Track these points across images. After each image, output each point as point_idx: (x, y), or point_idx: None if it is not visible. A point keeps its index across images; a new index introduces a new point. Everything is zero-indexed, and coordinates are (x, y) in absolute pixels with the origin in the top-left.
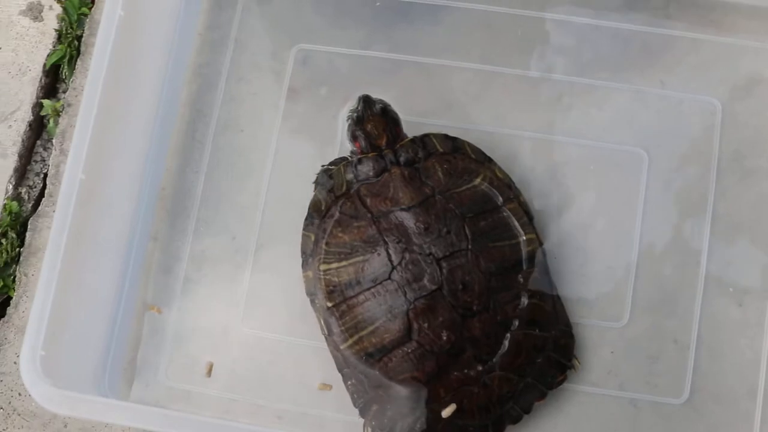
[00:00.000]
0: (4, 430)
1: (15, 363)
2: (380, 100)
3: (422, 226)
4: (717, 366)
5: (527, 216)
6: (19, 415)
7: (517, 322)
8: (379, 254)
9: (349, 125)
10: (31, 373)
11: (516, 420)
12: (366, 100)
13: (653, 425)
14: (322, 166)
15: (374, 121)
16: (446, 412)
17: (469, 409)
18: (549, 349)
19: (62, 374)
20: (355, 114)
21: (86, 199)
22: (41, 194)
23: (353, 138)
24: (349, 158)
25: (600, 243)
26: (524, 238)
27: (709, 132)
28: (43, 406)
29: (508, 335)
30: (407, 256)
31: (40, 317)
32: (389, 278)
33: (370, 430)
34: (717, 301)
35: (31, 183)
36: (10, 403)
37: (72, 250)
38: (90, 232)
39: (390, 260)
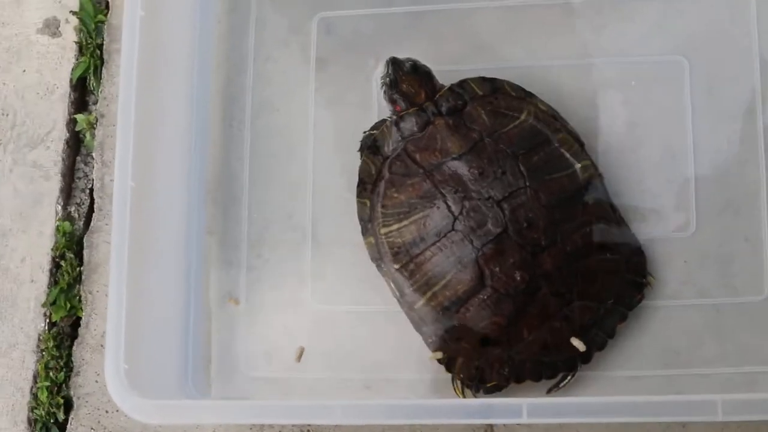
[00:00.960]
0: None
1: (97, 382)
2: (408, 58)
3: (476, 171)
4: None
5: (578, 143)
6: None
7: (586, 250)
8: (438, 207)
9: (385, 91)
10: (119, 389)
11: (602, 346)
12: (394, 62)
13: (739, 326)
14: (365, 132)
15: (408, 81)
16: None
17: (554, 345)
18: (622, 271)
19: (147, 384)
20: (387, 78)
21: (139, 206)
22: (90, 209)
23: (391, 102)
24: (390, 118)
25: (655, 157)
26: (579, 165)
27: (746, 29)
28: (135, 418)
29: (581, 264)
30: (467, 204)
31: (117, 332)
32: (453, 229)
33: (459, 383)
34: None
35: (78, 200)
36: (99, 422)
37: (134, 259)
38: (148, 239)
39: (450, 211)
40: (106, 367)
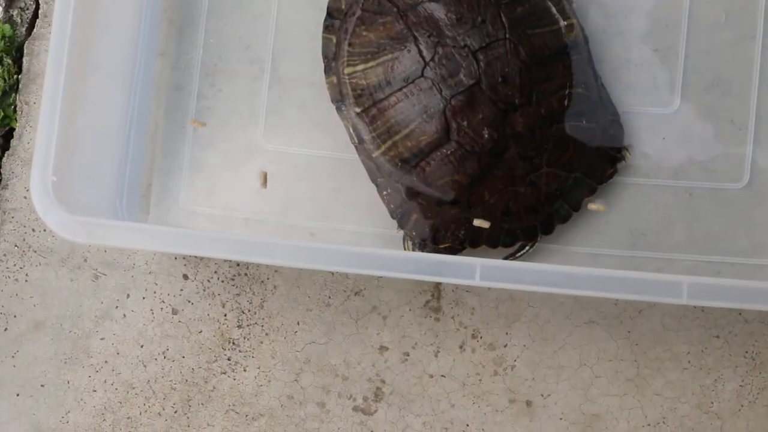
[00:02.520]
0: (20, 268)
1: (25, 198)
2: None
3: (454, 16)
4: None
5: None
6: (35, 252)
7: (562, 115)
8: (409, 51)
9: None
10: (44, 201)
11: (565, 219)
12: None
13: (711, 213)
14: None
15: None
16: (479, 222)
17: (515, 211)
18: (597, 141)
19: (76, 200)
20: None
21: (84, 14)
22: (35, 15)
23: None
24: None
25: (645, 24)
26: (564, 23)
27: None
28: (59, 234)
29: (554, 129)
30: (440, 50)
31: (48, 141)
32: (422, 76)
33: (410, 242)
34: None
35: (23, 4)
36: (24, 240)
37: (74, 68)
38: (92, 50)
39: (422, 56)
40: (33, 175)
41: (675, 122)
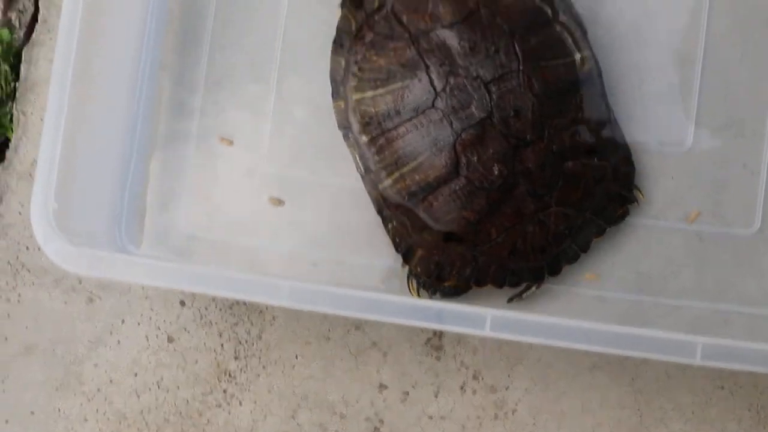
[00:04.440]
0: (13, 288)
1: (20, 213)
2: None
3: (467, 45)
4: None
5: (581, 30)
6: (28, 271)
7: (574, 152)
8: (420, 80)
9: None
10: (45, 229)
11: (573, 259)
12: None
13: (721, 258)
14: None
15: None
16: None
17: (523, 250)
18: (608, 180)
19: (76, 227)
20: None
21: (89, 27)
22: (34, 19)
23: None
24: None
25: (660, 58)
26: (579, 56)
27: None
28: (60, 265)
29: (565, 166)
30: (452, 80)
31: (50, 165)
32: (432, 106)
33: (414, 279)
34: None
35: (21, 7)
36: (17, 257)
37: (77, 86)
38: (94, 65)
39: (433, 86)
40: (33, 202)
41: (686, 162)
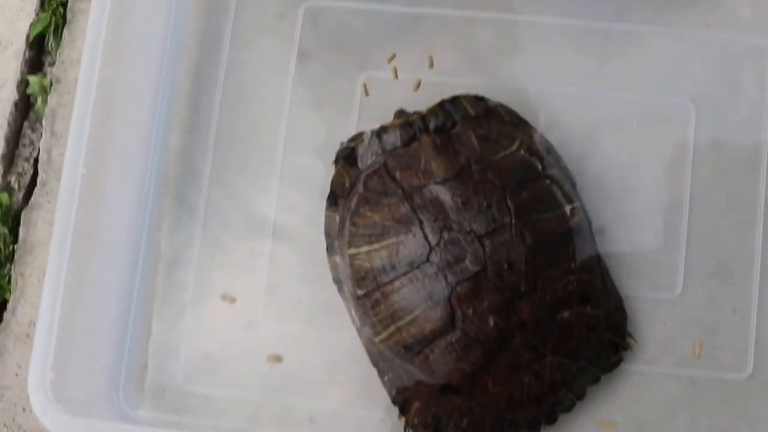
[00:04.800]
0: None
1: (17, 375)
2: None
3: (460, 200)
4: None
5: (570, 182)
6: None
7: (567, 302)
8: (414, 235)
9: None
10: (42, 400)
11: (569, 408)
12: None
13: (715, 403)
14: (342, 143)
15: None
16: None
17: (519, 401)
18: (602, 328)
19: (74, 393)
20: None
21: (88, 196)
22: (33, 182)
23: None
24: (371, 130)
25: (647, 207)
26: (569, 207)
27: (760, 76)
28: None
29: (558, 316)
30: (446, 235)
31: (48, 335)
32: (427, 261)
33: (411, 431)
34: None
35: (20, 170)
36: (14, 419)
37: (76, 254)
38: (94, 231)
39: (427, 241)
40: (30, 374)
41: (678, 308)
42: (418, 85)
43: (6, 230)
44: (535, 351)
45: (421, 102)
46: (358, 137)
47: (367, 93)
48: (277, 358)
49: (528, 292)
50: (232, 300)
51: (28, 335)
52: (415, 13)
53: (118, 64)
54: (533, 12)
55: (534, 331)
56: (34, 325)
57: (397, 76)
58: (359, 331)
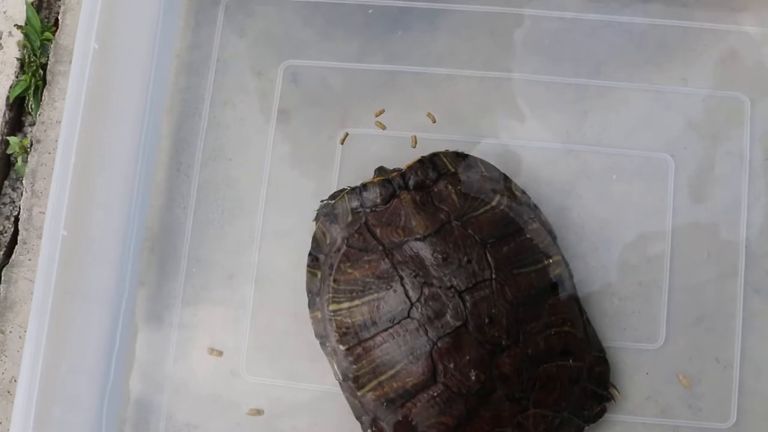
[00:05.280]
0: None
1: None
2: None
3: (440, 256)
4: (765, 384)
5: (550, 236)
6: None
7: (549, 354)
8: (395, 290)
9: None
10: None
11: None
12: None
13: None
14: (322, 201)
15: None
16: None
17: None
18: (584, 380)
19: None
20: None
21: (69, 255)
22: (13, 240)
23: None
24: (350, 187)
25: (628, 258)
26: (550, 260)
27: (738, 130)
28: None
29: (541, 369)
30: (426, 291)
31: (29, 392)
32: (408, 316)
33: None
34: (759, 313)
35: (1, 228)
36: None
37: (57, 312)
38: (75, 289)
39: (408, 296)
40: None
41: (660, 358)
42: (415, 142)
43: None
44: (517, 403)
45: (401, 159)
46: (338, 194)
47: (342, 141)
48: (258, 412)
49: (509, 345)
50: (220, 353)
51: (9, 392)
52: (393, 71)
53: (98, 124)
54: (512, 69)
55: (516, 384)
56: (15, 381)
57: (384, 128)
58: (342, 385)
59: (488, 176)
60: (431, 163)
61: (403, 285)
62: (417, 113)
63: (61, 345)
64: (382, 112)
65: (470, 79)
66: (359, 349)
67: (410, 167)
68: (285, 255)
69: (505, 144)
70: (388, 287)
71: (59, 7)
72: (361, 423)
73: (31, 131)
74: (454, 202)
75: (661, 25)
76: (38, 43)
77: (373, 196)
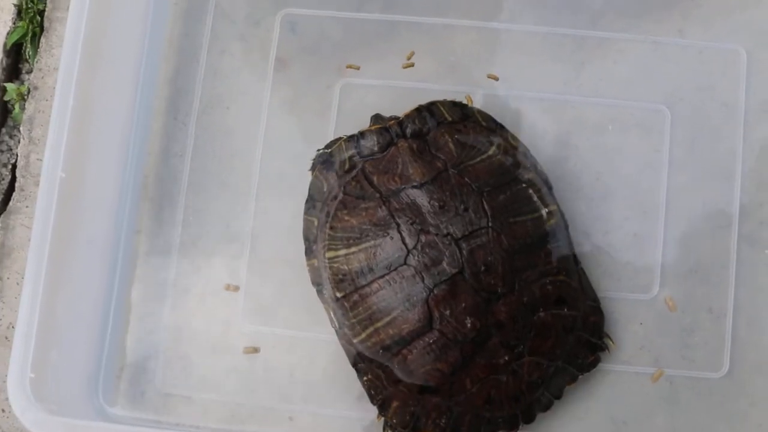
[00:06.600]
0: None
1: None
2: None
3: (437, 204)
4: (757, 334)
5: (546, 186)
6: None
7: (544, 303)
8: (391, 238)
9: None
10: (22, 400)
11: (546, 407)
12: None
13: (692, 402)
14: (318, 150)
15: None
16: None
17: (497, 400)
18: (579, 329)
19: (53, 395)
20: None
21: (67, 199)
22: (11, 187)
23: None
24: (348, 135)
25: (624, 210)
26: (545, 210)
27: (734, 82)
28: None
29: (536, 317)
30: (423, 238)
31: (27, 336)
32: (405, 263)
33: (390, 430)
34: (752, 264)
35: None
36: None
37: (55, 257)
38: (72, 235)
39: (404, 244)
40: (10, 373)
41: (654, 308)
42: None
43: None
44: (512, 351)
45: (398, 107)
46: (335, 143)
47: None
48: (255, 350)
49: (505, 293)
50: (237, 288)
51: (7, 337)
52: (392, 21)
53: (95, 71)
54: (511, 20)
55: (511, 331)
56: (13, 327)
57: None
58: (338, 332)
59: (485, 125)
60: (429, 111)
61: (399, 232)
62: (416, 63)
63: (59, 291)
64: (412, 54)
65: (469, 30)
66: (355, 296)
67: (408, 115)
68: (282, 203)
69: (501, 95)
70: (385, 234)
71: None
72: (357, 370)
73: (29, 78)
74: (451, 151)
75: None
76: None
77: (370, 143)
